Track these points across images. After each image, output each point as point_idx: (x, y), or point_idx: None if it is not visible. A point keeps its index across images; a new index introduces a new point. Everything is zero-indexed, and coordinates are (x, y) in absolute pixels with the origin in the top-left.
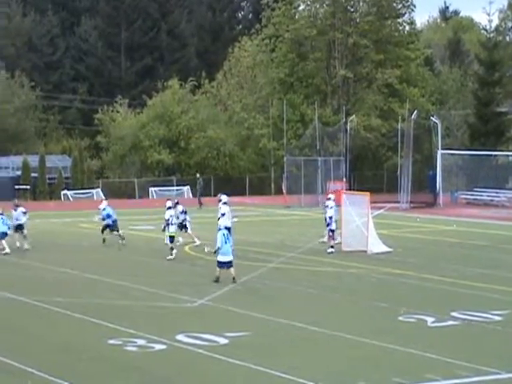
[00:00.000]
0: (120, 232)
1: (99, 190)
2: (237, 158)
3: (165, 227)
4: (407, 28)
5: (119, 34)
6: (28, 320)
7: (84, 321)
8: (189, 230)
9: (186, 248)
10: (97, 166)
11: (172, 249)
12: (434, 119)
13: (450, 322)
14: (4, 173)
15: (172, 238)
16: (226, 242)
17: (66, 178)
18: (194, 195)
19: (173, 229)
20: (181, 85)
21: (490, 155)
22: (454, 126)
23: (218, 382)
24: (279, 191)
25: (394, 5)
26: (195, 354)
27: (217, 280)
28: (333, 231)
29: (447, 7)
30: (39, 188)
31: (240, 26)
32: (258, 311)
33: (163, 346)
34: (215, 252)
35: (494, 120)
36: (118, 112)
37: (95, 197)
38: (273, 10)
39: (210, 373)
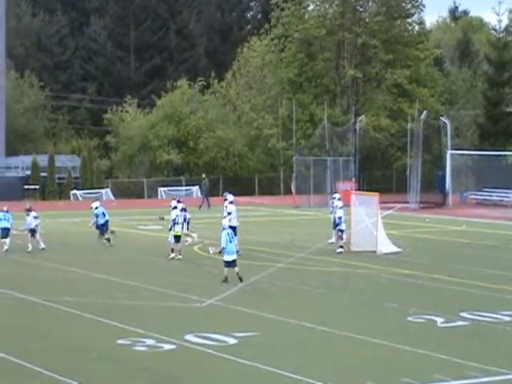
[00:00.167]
0: (109, 232)
1: (108, 189)
2: (246, 158)
3: (171, 227)
4: (417, 28)
5: (128, 34)
6: (37, 320)
7: (93, 320)
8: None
9: (195, 248)
10: (106, 166)
11: (172, 250)
12: (443, 119)
13: (460, 323)
14: (13, 173)
15: (177, 238)
16: (230, 241)
17: (75, 177)
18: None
19: (178, 228)
20: (190, 85)
21: (500, 155)
22: (464, 126)
23: (227, 381)
24: (288, 191)
25: (404, 5)
26: (204, 354)
27: (225, 280)
28: (342, 231)
29: (457, 7)
30: (48, 188)
31: (249, 26)
32: (267, 311)
33: (172, 346)
34: (220, 252)
35: (503, 120)
36: (127, 112)
37: (104, 197)
38: (282, 9)
39: (218, 373)
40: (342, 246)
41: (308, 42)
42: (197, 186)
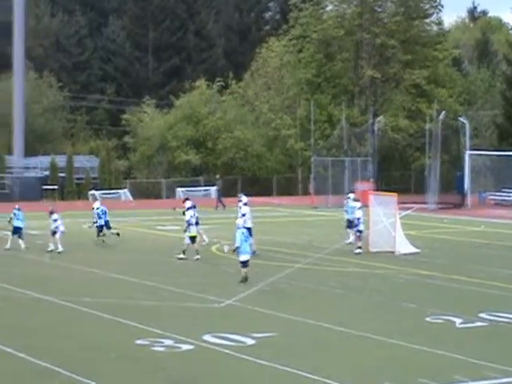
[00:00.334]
0: (109, 231)
1: (127, 190)
2: (264, 159)
3: (186, 228)
4: (435, 28)
5: (147, 35)
6: (56, 320)
7: (111, 321)
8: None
9: (213, 248)
10: (124, 167)
11: (184, 252)
12: (462, 120)
13: (478, 323)
14: (32, 173)
15: (193, 239)
16: (245, 241)
17: (94, 178)
18: (223, 195)
19: (194, 229)
20: (208, 85)
21: None
22: (482, 127)
23: (245, 382)
24: (306, 192)
25: (422, 5)
26: (222, 355)
27: (244, 280)
28: (361, 232)
29: (475, 7)
30: (67, 188)
31: (267, 27)
32: (285, 312)
33: (190, 347)
34: (234, 250)
35: None
36: (145, 112)
37: (123, 197)
38: (300, 10)
39: (236, 373)
40: (360, 247)
41: (326, 43)
42: (215, 187)
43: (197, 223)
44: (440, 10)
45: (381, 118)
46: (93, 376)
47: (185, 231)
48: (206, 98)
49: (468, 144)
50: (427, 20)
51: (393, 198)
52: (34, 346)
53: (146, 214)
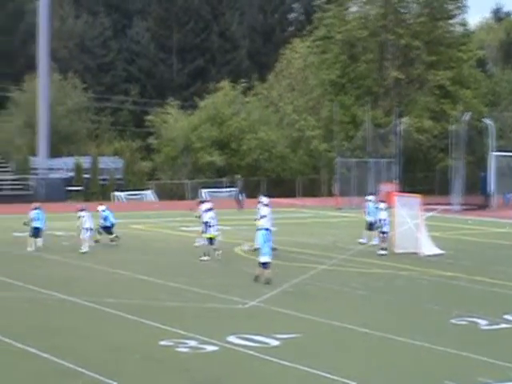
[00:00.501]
0: (113, 236)
1: (151, 191)
2: (288, 160)
3: (204, 229)
4: (460, 29)
5: (171, 36)
6: (79, 320)
7: (135, 321)
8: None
9: (237, 249)
10: (148, 168)
11: (209, 253)
12: (486, 121)
13: (503, 325)
14: (57, 174)
15: (211, 240)
16: (265, 242)
17: (118, 179)
18: (247, 196)
19: (212, 231)
20: (232, 86)
21: None
22: (507, 128)
23: (269, 383)
24: (330, 193)
25: (446, 6)
26: (246, 356)
27: (268, 282)
28: (385, 233)
29: (500, 8)
30: (91, 189)
31: (291, 28)
32: (309, 313)
33: (214, 348)
34: (255, 251)
35: None
36: (169, 114)
37: (147, 198)
38: (324, 11)
39: (260, 374)
40: (384, 248)
41: (350, 44)
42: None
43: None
44: (464, 11)
45: (405, 119)
46: (116, 377)
47: (202, 232)
48: (230, 99)
49: (493, 145)
50: (452, 21)
51: (417, 199)
52: (58, 347)
53: (170, 215)
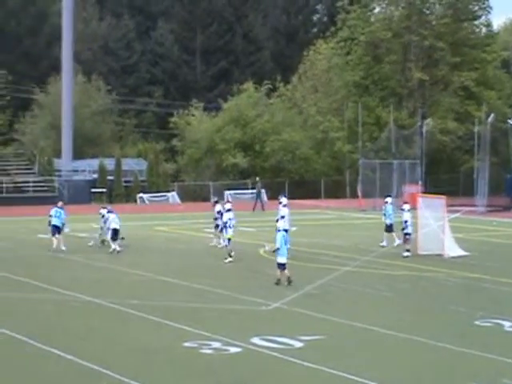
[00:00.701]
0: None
1: (175, 193)
2: (312, 161)
3: (222, 229)
4: (484, 30)
5: (195, 38)
6: (103, 322)
7: (159, 323)
8: (217, 232)
9: (261, 251)
10: (172, 170)
11: (230, 252)
12: (511, 122)
13: None
14: (81, 176)
15: (229, 241)
16: (285, 244)
17: (142, 181)
18: (270, 198)
19: (231, 231)
20: (256, 88)
21: None
22: None
23: None
24: (354, 194)
25: (471, 7)
26: (270, 357)
27: (289, 282)
28: (408, 234)
29: None
30: (115, 191)
31: (315, 29)
32: (333, 314)
33: (238, 349)
34: (274, 251)
35: None
36: (193, 115)
37: (171, 200)
38: (348, 12)
39: (284, 376)
40: (408, 250)
41: (374, 45)
42: (263, 190)
43: (217, 226)
44: (489, 12)
45: (429, 120)
46: (141, 378)
47: (220, 231)
48: (253, 100)
49: None
50: (476, 22)
51: (441, 200)
52: (83, 348)
53: (194, 216)
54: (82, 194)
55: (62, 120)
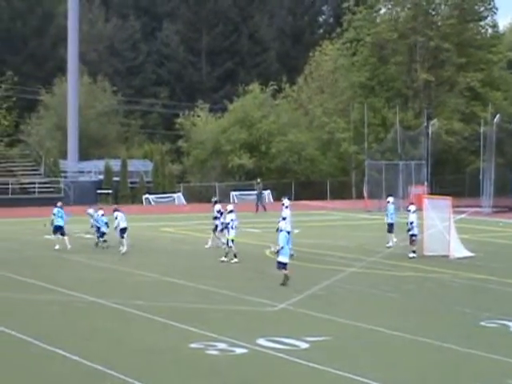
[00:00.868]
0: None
1: (180, 194)
2: (318, 162)
3: (222, 229)
4: (490, 31)
5: (200, 39)
6: (108, 323)
7: (165, 324)
8: (217, 232)
9: (267, 252)
10: (178, 171)
11: (235, 256)
12: None
13: None
14: (87, 177)
15: (232, 242)
16: (286, 244)
17: (148, 182)
18: (275, 199)
19: (233, 233)
20: (262, 89)
21: None
22: None
23: None
24: (360, 195)
25: (476, 7)
26: (276, 358)
27: (285, 282)
28: (415, 236)
29: None
30: (121, 192)
31: (321, 30)
32: (339, 315)
33: (244, 350)
34: (278, 252)
35: None
36: (198, 116)
37: (176, 201)
38: (354, 13)
39: (290, 377)
40: (414, 251)
41: (380, 46)
42: (268, 191)
43: (216, 227)
44: (494, 13)
45: (435, 121)
46: (145, 379)
47: (221, 231)
48: (259, 101)
49: None
50: (482, 22)
51: (447, 201)
52: (87, 349)
53: (200, 217)
54: (87, 195)
55: (68, 121)
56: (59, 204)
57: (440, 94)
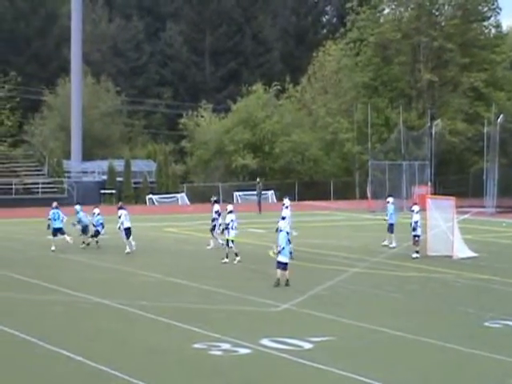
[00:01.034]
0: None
1: (184, 194)
2: (321, 163)
3: (223, 230)
4: (493, 31)
5: (204, 39)
6: (112, 323)
7: (168, 324)
8: (215, 232)
9: (271, 253)
10: (181, 171)
11: (236, 255)
12: None
13: None
14: (90, 177)
15: (232, 242)
16: (286, 243)
17: (151, 182)
18: (279, 199)
19: (233, 233)
20: (265, 89)
21: None
22: None
23: None
24: (364, 196)
25: (480, 8)
26: (279, 359)
27: (277, 284)
28: (418, 236)
29: None
30: (125, 192)
31: (324, 30)
32: (343, 316)
33: (248, 351)
34: (279, 252)
35: None
36: (202, 117)
37: (180, 201)
38: (357, 13)
39: (294, 377)
40: (417, 251)
41: (383, 46)
42: (272, 191)
43: (214, 227)
44: (498, 13)
45: (438, 121)
46: (149, 379)
47: (222, 232)
48: (263, 101)
49: None
50: (485, 23)
51: (450, 201)
52: (91, 350)
53: (203, 218)
54: (91, 196)
55: (72, 121)
56: (54, 205)
57: (443, 94)
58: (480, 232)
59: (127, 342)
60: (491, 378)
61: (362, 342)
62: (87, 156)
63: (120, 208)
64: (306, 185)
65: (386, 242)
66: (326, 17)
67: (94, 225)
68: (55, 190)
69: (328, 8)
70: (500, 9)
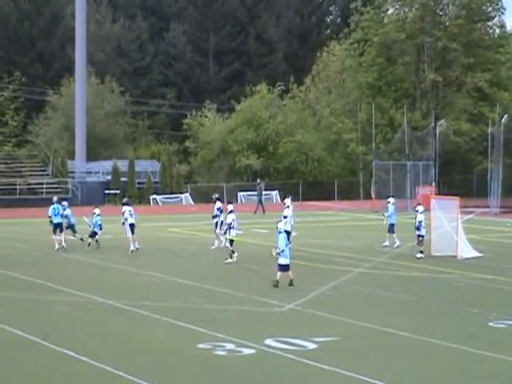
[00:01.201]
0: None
1: (188, 194)
2: (325, 163)
3: (226, 230)
4: (497, 31)
5: (208, 40)
6: (117, 323)
7: (173, 324)
8: (217, 230)
9: (273, 253)
10: (185, 171)
11: (233, 252)
12: None
13: None
14: (94, 177)
15: (232, 242)
16: (286, 245)
17: (155, 182)
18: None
19: (233, 233)
20: (269, 89)
21: None
22: None
23: None
24: (368, 196)
25: (484, 8)
26: (284, 359)
27: (276, 285)
28: (422, 236)
29: None
30: (129, 192)
31: (328, 31)
32: (347, 316)
33: (252, 351)
34: (278, 254)
35: None
36: (206, 117)
37: (184, 201)
38: (361, 14)
39: (298, 378)
40: (422, 251)
41: (387, 46)
42: (276, 191)
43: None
44: (502, 13)
45: (442, 121)
46: (153, 379)
47: (224, 232)
48: (266, 102)
49: None
50: (489, 23)
51: (455, 201)
52: (96, 350)
53: (207, 218)
54: (95, 196)
55: (76, 122)
56: (55, 199)
57: (448, 94)
58: (484, 232)
59: (132, 342)
60: (497, 378)
61: (366, 343)
62: (91, 156)
63: (124, 204)
64: (310, 185)
65: (386, 243)
66: (330, 17)
67: (92, 225)
68: (59, 190)
69: (332, 8)
70: (504, 9)
